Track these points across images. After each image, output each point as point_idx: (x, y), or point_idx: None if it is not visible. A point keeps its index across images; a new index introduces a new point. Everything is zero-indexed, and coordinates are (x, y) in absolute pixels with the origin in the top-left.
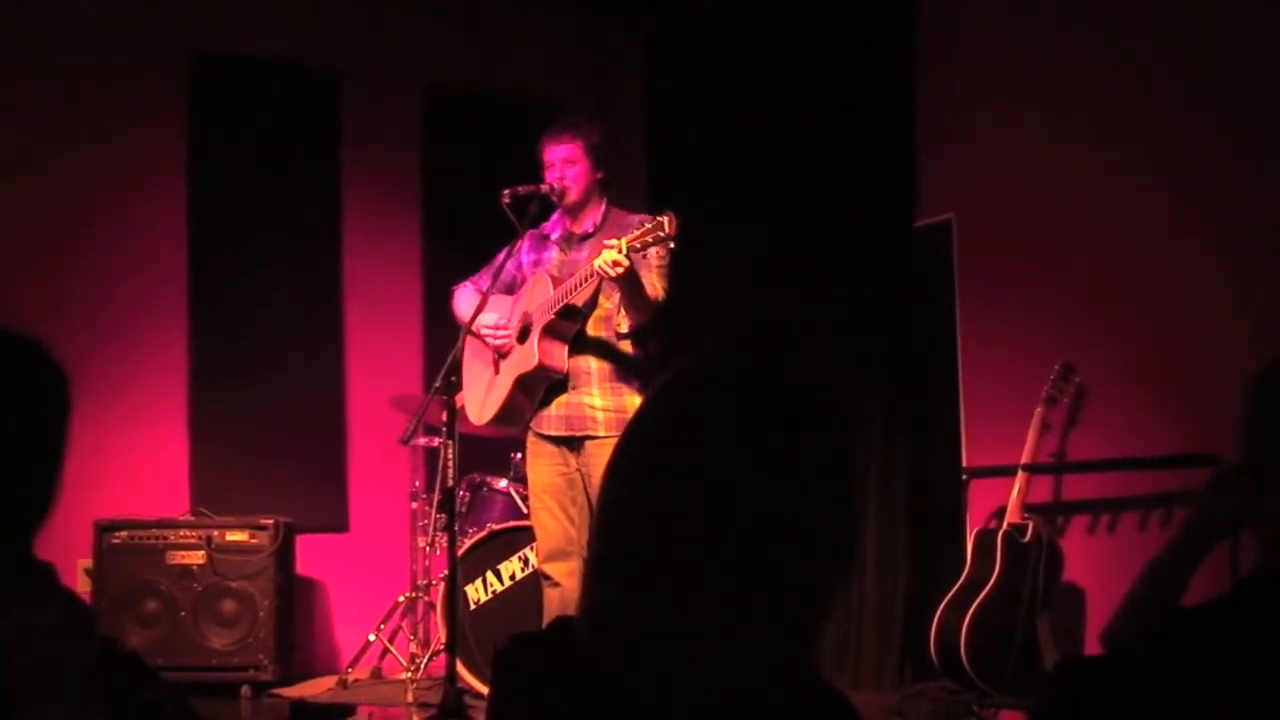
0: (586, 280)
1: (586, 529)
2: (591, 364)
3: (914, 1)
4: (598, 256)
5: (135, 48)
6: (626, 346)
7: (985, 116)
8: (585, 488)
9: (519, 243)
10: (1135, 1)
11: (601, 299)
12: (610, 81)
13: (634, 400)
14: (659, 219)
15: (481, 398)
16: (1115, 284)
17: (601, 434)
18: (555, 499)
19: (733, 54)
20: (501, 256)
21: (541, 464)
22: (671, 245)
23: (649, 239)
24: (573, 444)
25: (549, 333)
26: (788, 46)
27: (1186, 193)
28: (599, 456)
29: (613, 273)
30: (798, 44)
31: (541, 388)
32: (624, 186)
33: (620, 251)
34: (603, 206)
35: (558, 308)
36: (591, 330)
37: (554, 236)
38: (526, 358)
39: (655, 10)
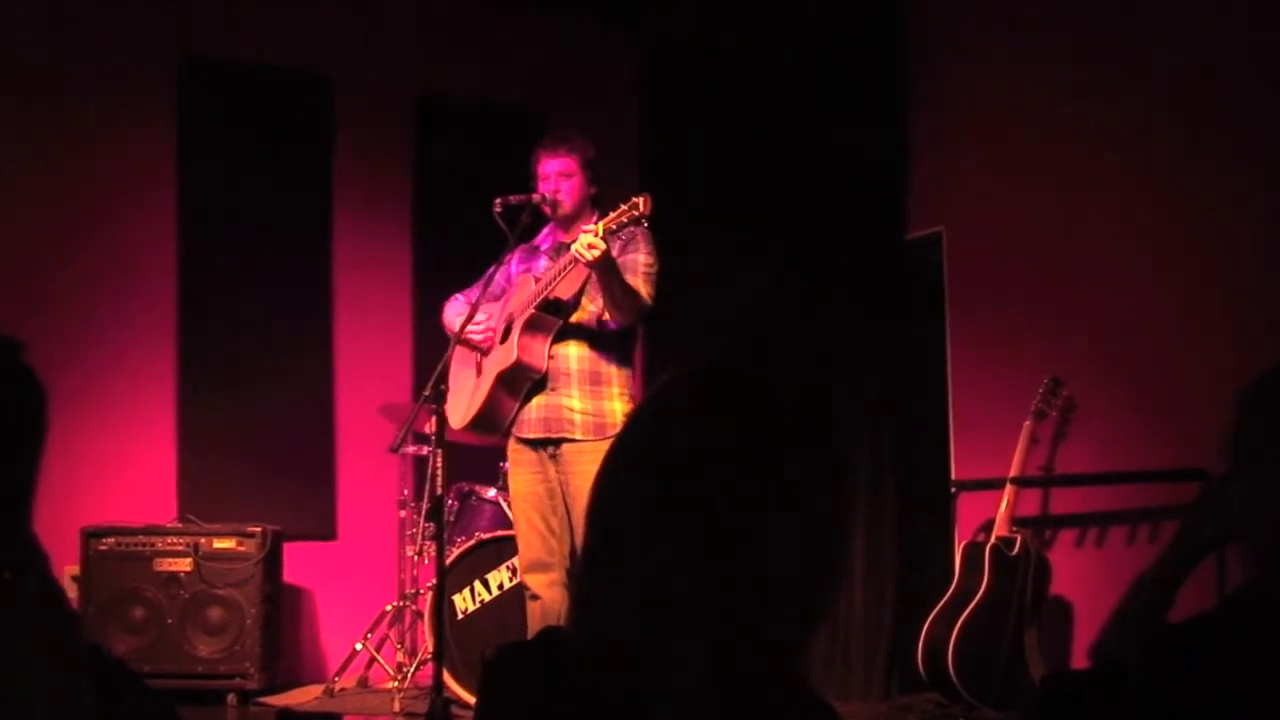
0: (566, 269)
1: (567, 539)
2: (572, 366)
3: (905, 14)
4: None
5: (125, 51)
6: (608, 350)
7: (976, 130)
8: (564, 497)
9: (509, 255)
10: (1126, 15)
11: (585, 300)
12: (603, 90)
13: (613, 405)
14: (634, 200)
15: (465, 401)
16: (1104, 298)
17: (579, 437)
18: (535, 509)
19: (725, 65)
20: (491, 269)
21: (522, 473)
22: (645, 224)
23: (624, 219)
24: (550, 448)
25: (529, 327)
26: (780, 59)
27: (1176, 207)
28: (576, 463)
29: (589, 255)
30: (790, 56)
31: (523, 387)
32: (616, 195)
33: (596, 234)
34: (594, 218)
35: (538, 300)
36: (573, 332)
37: (544, 247)
38: (506, 354)
39: (649, 19)
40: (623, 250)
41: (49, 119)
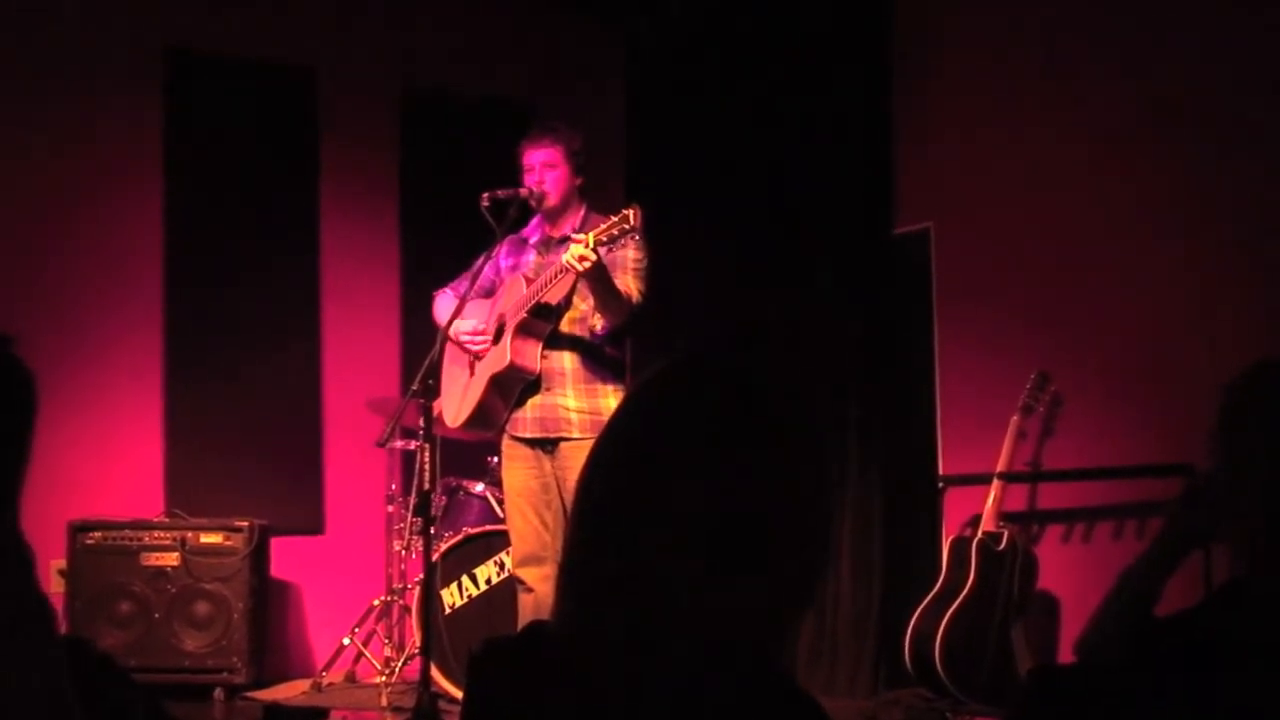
0: (557, 277)
1: (561, 534)
2: (566, 365)
3: (891, 8)
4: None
5: (110, 44)
6: (601, 348)
7: (964, 125)
8: (560, 492)
9: (497, 248)
10: (1112, 11)
11: (576, 300)
12: (589, 83)
13: (609, 402)
14: (624, 212)
15: (457, 400)
16: (1092, 293)
17: (576, 436)
18: (530, 503)
19: (712, 59)
20: (480, 261)
21: (516, 468)
22: (636, 237)
23: (615, 232)
24: (547, 446)
25: (522, 331)
26: (767, 52)
27: (1163, 203)
28: (573, 459)
29: (580, 267)
30: (777, 49)
31: (516, 389)
32: (602, 188)
33: (587, 246)
34: (582, 211)
35: (529, 305)
36: (566, 331)
37: (532, 240)
38: (499, 357)
39: (635, 12)
40: (612, 248)
41: (33, 112)
